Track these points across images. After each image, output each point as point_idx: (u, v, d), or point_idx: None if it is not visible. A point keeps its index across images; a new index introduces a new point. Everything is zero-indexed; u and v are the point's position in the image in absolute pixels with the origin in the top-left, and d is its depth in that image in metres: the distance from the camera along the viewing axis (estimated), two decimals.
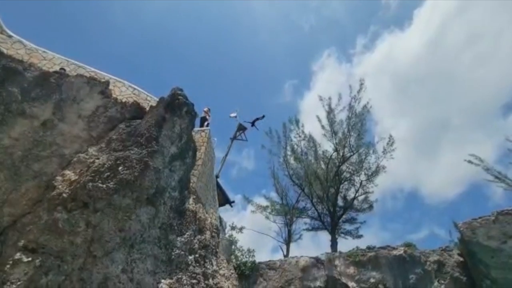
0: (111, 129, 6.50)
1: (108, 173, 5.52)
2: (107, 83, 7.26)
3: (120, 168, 5.57)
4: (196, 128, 10.09)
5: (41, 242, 4.95)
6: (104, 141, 6.29)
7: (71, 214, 5.34)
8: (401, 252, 13.39)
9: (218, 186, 12.70)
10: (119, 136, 6.23)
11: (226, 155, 15.07)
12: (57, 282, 4.85)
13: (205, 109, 12.58)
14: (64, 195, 5.50)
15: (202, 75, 44.36)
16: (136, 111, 7.12)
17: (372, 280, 12.71)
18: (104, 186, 5.42)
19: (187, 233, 6.92)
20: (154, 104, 7.41)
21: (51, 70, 7.23)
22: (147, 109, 7.31)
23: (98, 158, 6.07)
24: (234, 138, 15.82)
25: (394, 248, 13.60)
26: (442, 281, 12.78)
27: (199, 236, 7.53)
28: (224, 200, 14.07)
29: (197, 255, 7.16)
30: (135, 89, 8.32)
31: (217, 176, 12.85)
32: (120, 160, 5.67)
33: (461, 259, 13.09)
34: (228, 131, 17.04)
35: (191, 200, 7.54)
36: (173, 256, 6.36)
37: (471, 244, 12.05)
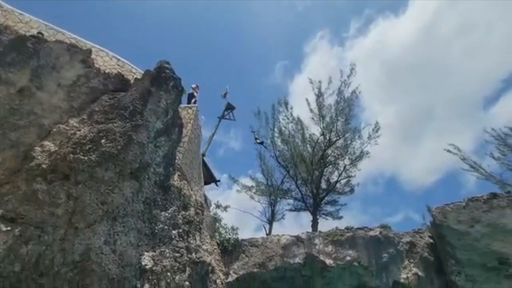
0: (93, 100, 6.27)
1: (90, 146, 5.40)
2: (89, 51, 6.89)
3: (102, 141, 5.44)
4: (183, 105, 9.89)
5: (20, 212, 4.88)
6: (85, 113, 6.08)
7: (51, 185, 5.25)
8: (377, 233, 14.08)
9: (204, 165, 12.72)
10: (102, 108, 6.04)
11: (214, 134, 14.99)
12: (37, 251, 4.84)
13: (193, 85, 12.29)
14: (44, 166, 5.37)
15: (192, 53, 42.82)
16: (120, 83, 6.86)
17: (348, 258, 13.40)
18: (86, 158, 5.31)
19: (171, 209, 6.98)
20: (139, 77, 7.15)
21: (27, 34, 6.77)
22: (132, 81, 7.05)
23: (79, 130, 5.89)
24: (222, 117, 15.69)
25: (370, 229, 14.27)
26: (412, 260, 13.66)
27: (183, 212, 7.61)
28: (210, 178, 14.17)
29: (180, 230, 7.27)
30: (119, 60, 7.95)
31: (203, 155, 12.83)
32: (103, 132, 5.53)
33: (431, 241, 13.96)
34: (216, 110, 16.86)
35: (176, 177, 7.54)
36: (156, 230, 6.44)
37: (441, 227, 12.84)
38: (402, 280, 13.18)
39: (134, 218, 6.05)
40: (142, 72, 7.34)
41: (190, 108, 10.07)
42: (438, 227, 13.15)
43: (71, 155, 5.37)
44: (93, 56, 7.09)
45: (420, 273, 13.32)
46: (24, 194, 5.07)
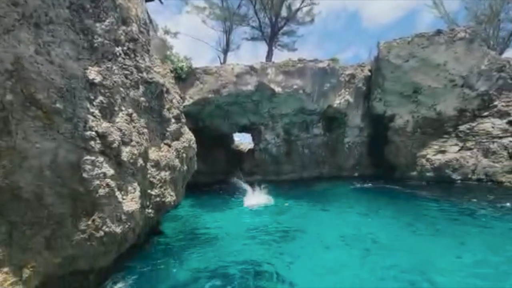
0: None
1: None
2: None
3: None
4: None
5: None
6: None
7: None
8: (325, 65, 15.10)
9: None
10: None
11: None
12: None
13: None
14: None
15: None
16: None
17: (295, 87, 14.89)
18: None
19: (108, 20, 6.06)
20: None
21: None
22: None
23: None
24: None
25: (320, 62, 15.14)
26: (348, 90, 15.81)
27: (124, 27, 6.75)
28: None
29: (125, 48, 6.73)
30: None
31: None
32: None
33: (369, 74, 15.72)
34: None
35: None
36: (96, 44, 5.83)
37: (382, 61, 14.12)
38: (335, 105, 15.78)
39: (63, 27, 5.21)
40: None
41: None
42: (378, 61, 14.45)
43: None
44: None
45: (350, 100, 15.87)
46: None
